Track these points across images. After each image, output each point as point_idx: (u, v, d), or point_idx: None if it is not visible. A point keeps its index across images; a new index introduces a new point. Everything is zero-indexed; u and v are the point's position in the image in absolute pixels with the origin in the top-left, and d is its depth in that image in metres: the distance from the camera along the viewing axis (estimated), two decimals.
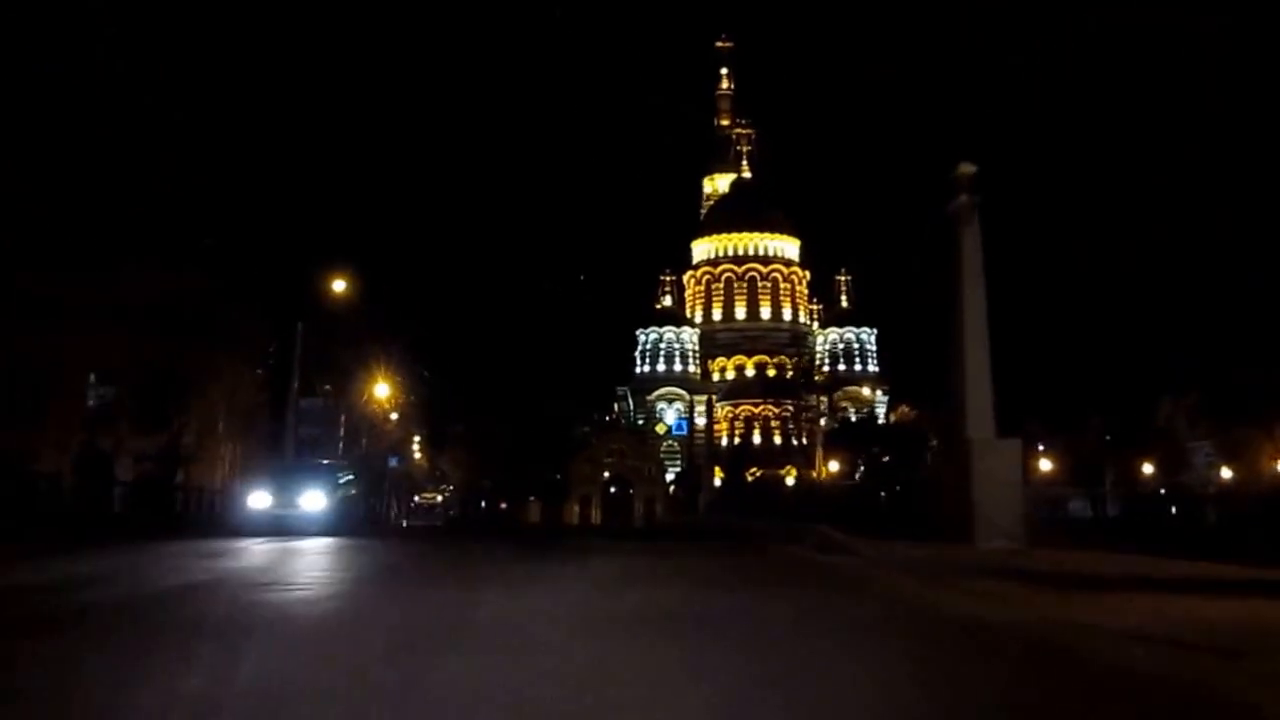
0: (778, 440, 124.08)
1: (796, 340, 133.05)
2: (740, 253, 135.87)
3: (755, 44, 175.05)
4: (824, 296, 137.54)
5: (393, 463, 73.69)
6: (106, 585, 9.76)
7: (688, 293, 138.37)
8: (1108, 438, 73.36)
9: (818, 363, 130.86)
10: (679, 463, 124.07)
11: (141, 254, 38.51)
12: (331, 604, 8.75)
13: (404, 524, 61.97)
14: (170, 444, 37.40)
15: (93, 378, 40.97)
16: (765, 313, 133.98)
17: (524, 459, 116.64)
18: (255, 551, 15.82)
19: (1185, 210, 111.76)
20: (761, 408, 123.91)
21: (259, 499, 26.11)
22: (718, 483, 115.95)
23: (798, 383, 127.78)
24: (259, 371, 51.86)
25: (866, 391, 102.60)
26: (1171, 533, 30.58)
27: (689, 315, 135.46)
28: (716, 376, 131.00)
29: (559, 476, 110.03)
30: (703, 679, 5.09)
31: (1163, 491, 55.89)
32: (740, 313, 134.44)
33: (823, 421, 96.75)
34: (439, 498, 67.09)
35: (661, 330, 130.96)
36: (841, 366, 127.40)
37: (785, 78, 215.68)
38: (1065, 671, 5.67)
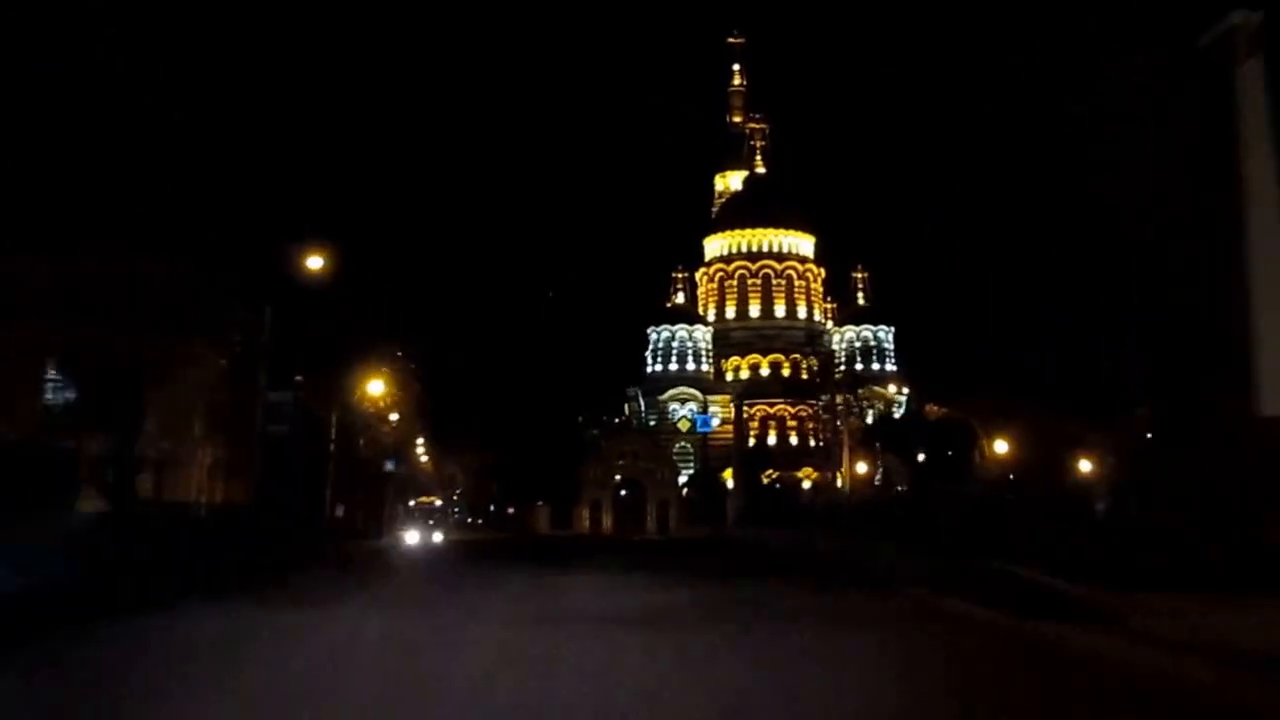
0: (794, 441, 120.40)
1: (812, 339, 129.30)
2: (754, 249, 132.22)
3: (767, 39, 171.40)
4: (839, 294, 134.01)
5: (389, 466, 70.07)
6: None
7: (700, 290, 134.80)
8: None
9: (836, 361, 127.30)
10: (692, 464, 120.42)
11: (106, 235, 35.07)
12: None
13: (382, 540, 58.15)
14: (120, 447, 33.48)
15: (51, 371, 37.32)
16: (780, 310, 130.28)
17: (533, 462, 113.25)
18: None
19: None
20: (778, 408, 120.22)
21: None
22: (730, 485, 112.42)
23: (814, 382, 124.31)
24: (222, 362, 48.08)
25: (892, 389, 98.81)
26: None
27: (701, 313, 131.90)
28: (730, 376, 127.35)
29: (569, 480, 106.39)
30: None
31: None
32: (754, 310, 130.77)
33: (850, 420, 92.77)
34: (438, 501, 63.16)
35: (674, 328, 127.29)
36: (859, 365, 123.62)
37: (798, 73, 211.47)
38: None
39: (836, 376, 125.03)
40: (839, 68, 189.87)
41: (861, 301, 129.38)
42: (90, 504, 28.55)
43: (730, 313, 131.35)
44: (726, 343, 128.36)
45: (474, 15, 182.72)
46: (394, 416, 78.39)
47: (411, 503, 64.40)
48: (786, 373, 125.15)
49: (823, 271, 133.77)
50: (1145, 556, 12.61)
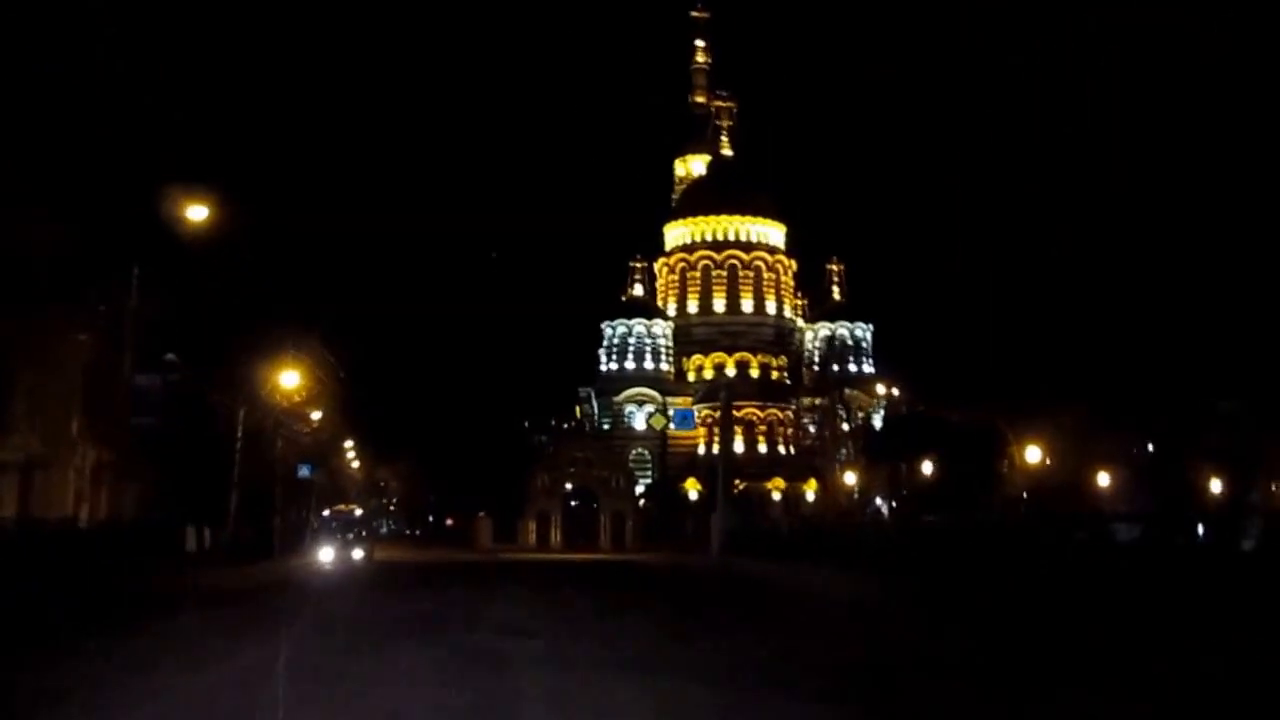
0: (763, 449, 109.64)
1: (782, 336, 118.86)
2: (719, 238, 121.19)
3: (732, 13, 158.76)
4: (810, 288, 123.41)
5: (304, 472, 58.45)
6: None
7: (659, 282, 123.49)
8: None
9: (807, 360, 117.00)
10: (650, 473, 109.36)
11: None
12: None
13: (290, 561, 46.54)
14: None
15: None
16: (747, 305, 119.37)
17: (474, 469, 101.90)
18: None
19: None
20: (745, 411, 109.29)
21: None
22: (695, 496, 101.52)
23: (784, 384, 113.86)
24: (82, 337, 36.88)
25: (880, 389, 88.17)
26: None
27: (662, 307, 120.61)
28: (692, 376, 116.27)
29: (514, 489, 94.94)
30: None
31: None
32: (719, 305, 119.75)
33: (835, 425, 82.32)
34: (357, 511, 51.51)
35: (630, 323, 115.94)
36: (835, 366, 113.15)
37: (766, 50, 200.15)
38: None
39: (809, 378, 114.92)
40: (809, 44, 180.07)
41: (837, 296, 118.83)
42: None
43: (693, 307, 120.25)
44: (689, 339, 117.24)
45: None
46: (316, 415, 66.98)
47: (326, 512, 52.57)
48: (755, 373, 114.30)
49: (794, 264, 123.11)
50: None
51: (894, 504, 61.62)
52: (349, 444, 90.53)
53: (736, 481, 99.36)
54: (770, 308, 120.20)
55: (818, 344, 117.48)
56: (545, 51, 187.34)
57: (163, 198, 28.21)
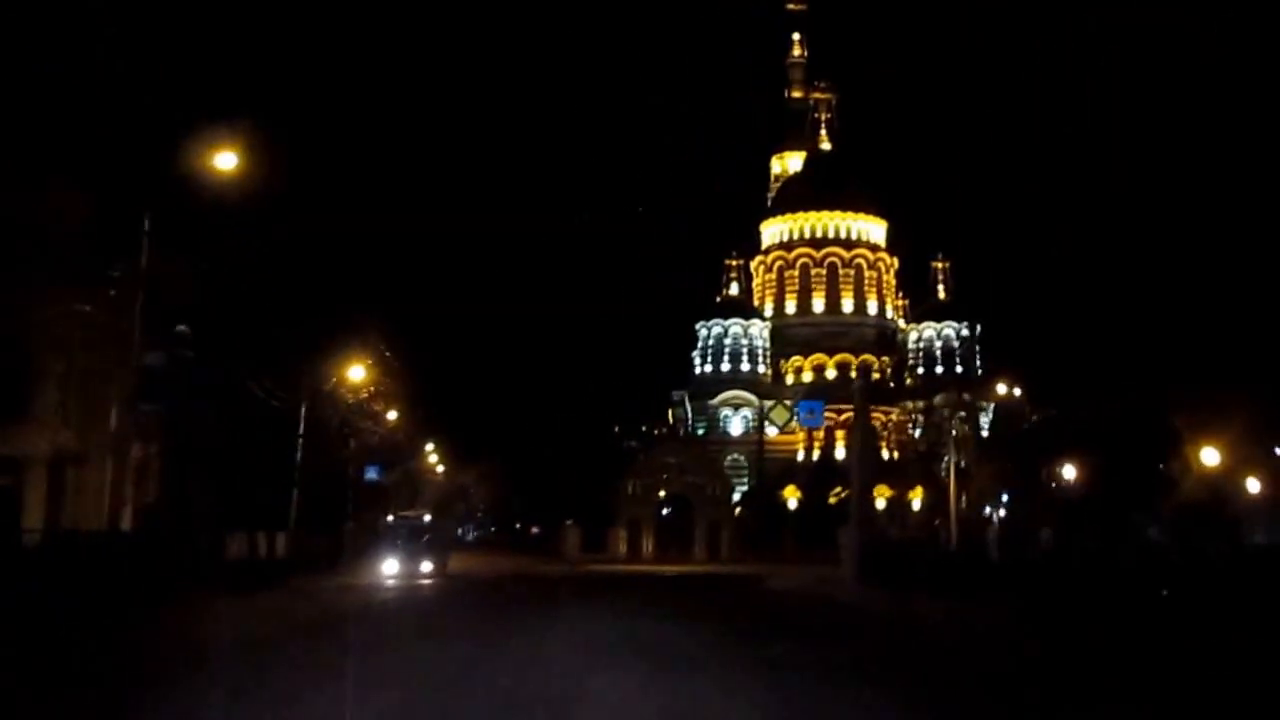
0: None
1: (884, 337, 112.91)
2: (819, 235, 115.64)
3: (829, 6, 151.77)
4: (911, 287, 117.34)
5: (371, 474, 54.36)
6: None
7: (756, 281, 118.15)
8: None
9: (910, 362, 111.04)
10: (746, 480, 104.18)
11: None
12: None
13: (343, 577, 42.30)
14: None
15: None
16: (848, 305, 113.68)
17: (562, 474, 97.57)
18: None
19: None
20: (846, 415, 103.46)
21: None
22: (794, 504, 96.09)
23: (888, 386, 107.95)
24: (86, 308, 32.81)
25: (1002, 389, 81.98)
26: None
27: (758, 307, 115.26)
28: (791, 378, 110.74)
29: (604, 496, 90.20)
30: None
31: None
32: (818, 305, 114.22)
33: (965, 429, 76.52)
34: (426, 516, 46.80)
35: (726, 323, 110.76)
36: (939, 368, 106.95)
37: (864, 42, 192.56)
38: None
39: (910, 381, 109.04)
40: (910, 34, 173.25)
41: (941, 295, 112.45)
42: None
43: (790, 307, 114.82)
44: (786, 340, 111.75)
45: None
46: (391, 415, 63.11)
47: (390, 518, 48.10)
48: (855, 375, 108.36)
49: (895, 261, 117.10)
50: None
51: (1022, 514, 55.81)
52: (430, 447, 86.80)
53: (839, 489, 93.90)
54: (872, 307, 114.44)
55: (922, 344, 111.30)
56: (640, 49, 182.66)
57: (186, 145, 23.96)
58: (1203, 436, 37.08)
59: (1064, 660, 16.12)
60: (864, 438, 29.75)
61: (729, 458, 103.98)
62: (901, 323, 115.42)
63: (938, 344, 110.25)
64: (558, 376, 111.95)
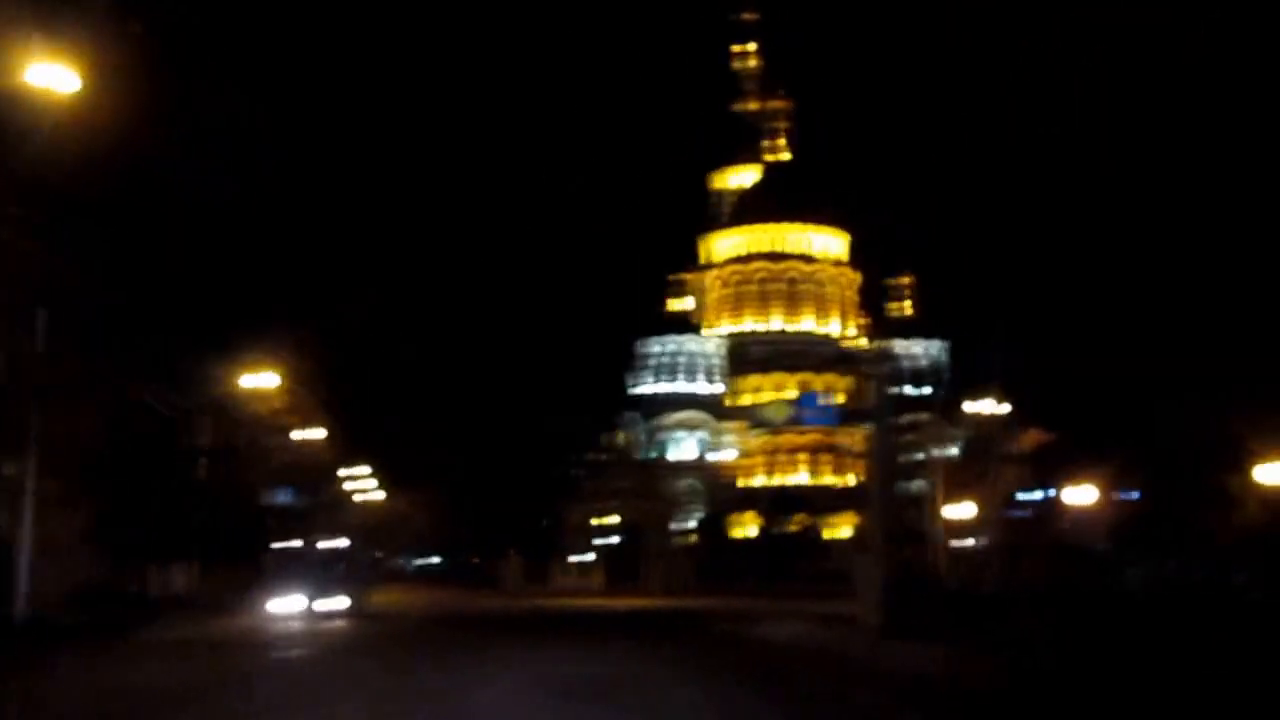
0: (830, 480, 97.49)
1: (847, 355, 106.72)
2: (777, 248, 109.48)
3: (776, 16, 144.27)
4: (873, 303, 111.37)
5: (281, 498, 47.07)
6: None
7: (710, 296, 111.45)
8: None
9: (877, 382, 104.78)
10: (700, 507, 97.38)
11: None
12: None
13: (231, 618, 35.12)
14: None
15: None
16: (808, 322, 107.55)
17: (503, 500, 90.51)
18: None
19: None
20: (809, 437, 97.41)
21: None
22: (753, 533, 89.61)
23: (850, 408, 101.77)
24: None
25: (988, 406, 75.96)
26: None
27: (711, 323, 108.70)
28: (748, 399, 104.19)
29: (547, 524, 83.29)
30: None
31: None
32: (776, 322, 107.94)
33: (953, 451, 70.43)
34: (343, 541, 39.23)
35: (679, 339, 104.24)
36: (908, 388, 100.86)
37: (817, 51, 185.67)
38: None
39: (878, 402, 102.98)
40: (869, 39, 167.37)
41: (908, 311, 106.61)
42: None
43: (747, 324, 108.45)
44: (743, 359, 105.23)
45: None
46: (319, 433, 55.66)
47: (294, 543, 40.69)
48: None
49: (859, 276, 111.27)
50: None
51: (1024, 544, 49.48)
52: (365, 470, 79.35)
53: (801, 516, 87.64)
54: (835, 325, 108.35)
55: (887, 364, 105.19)
56: (565, 59, 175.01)
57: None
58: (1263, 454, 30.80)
59: None
60: (885, 450, 22.78)
61: (681, 483, 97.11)
62: (866, 341, 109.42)
63: (905, 362, 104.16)
64: (498, 396, 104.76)
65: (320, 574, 36.35)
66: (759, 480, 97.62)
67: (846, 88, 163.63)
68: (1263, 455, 29.29)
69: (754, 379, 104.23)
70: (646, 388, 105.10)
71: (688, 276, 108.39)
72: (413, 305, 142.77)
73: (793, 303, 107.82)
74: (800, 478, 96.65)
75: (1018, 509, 49.55)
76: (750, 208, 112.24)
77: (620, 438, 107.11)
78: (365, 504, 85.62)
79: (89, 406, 33.84)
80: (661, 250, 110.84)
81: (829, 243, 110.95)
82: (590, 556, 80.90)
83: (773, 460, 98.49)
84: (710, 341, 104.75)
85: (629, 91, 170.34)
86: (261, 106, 51.68)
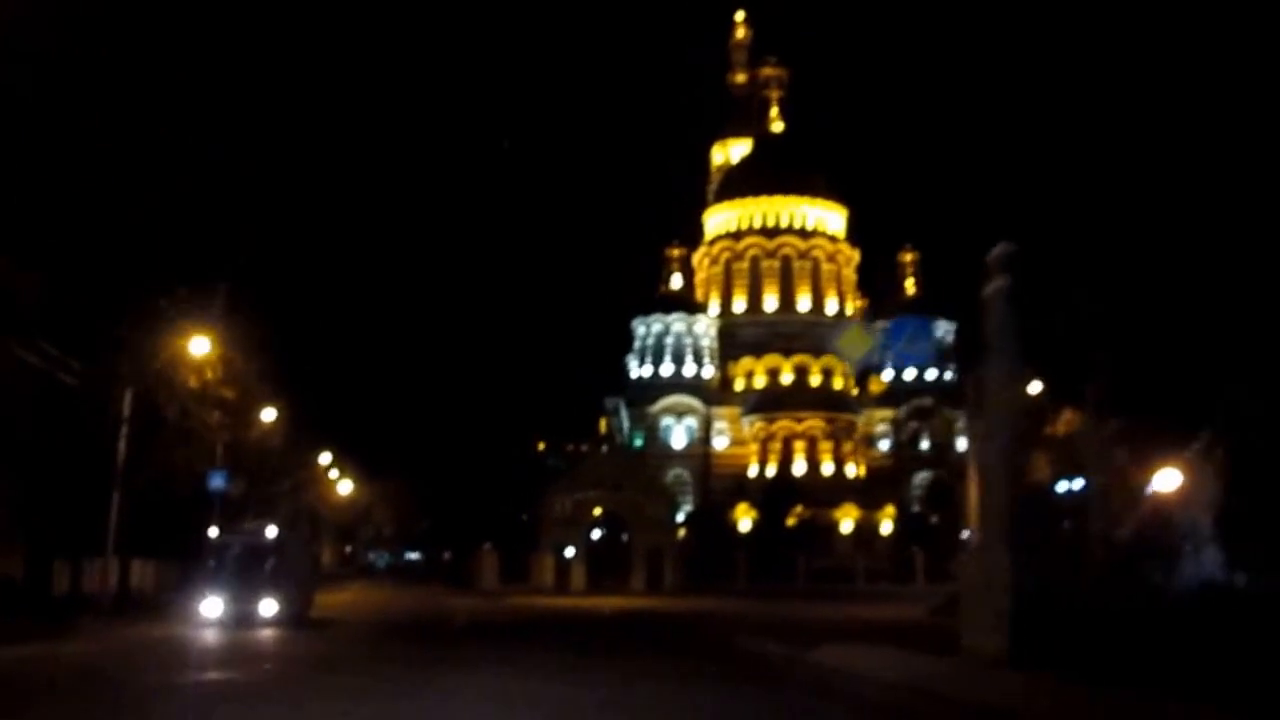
0: (830, 469, 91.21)
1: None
2: (770, 224, 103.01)
3: None
4: (872, 282, 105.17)
5: (216, 483, 40.27)
6: None
7: (700, 275, 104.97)
8: None
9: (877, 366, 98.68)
10: (690, 498, 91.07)
11: None
12: None
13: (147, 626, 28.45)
14: None
15: None
16: (804, 301, 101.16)
17: (478, 491, 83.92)
18: None
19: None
20: (806, 424, 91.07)
21: None
22: (747, 526, 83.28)
23: (848, 394, 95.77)
24: None
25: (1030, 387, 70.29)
26: None
27: (702, 303, 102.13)
28: (741, 384, 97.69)
29: (526, 517, 76.75)
30: None
31: None
32: (771, 301, 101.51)
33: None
34: (270, 530, 32.33)
35: (668, 319, 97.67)
36: (911, 370, 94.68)
37: (812, 20, 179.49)
38: None
39: (875, 387, 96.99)
40: (861, 12, 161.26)
41: (911, 290, 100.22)
42: None
43: (739, 304, 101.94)
44: (735, 341, 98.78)
45: None
46: (268, 414, 48.90)
47: (214, 533, 33.86)
48: (816, 380, 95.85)
49: (857, 254, 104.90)
50: None
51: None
52: (326, 458, 72.62)
53: (799, 508, 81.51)
54: (832, 305, 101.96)
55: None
56: (574, 36, 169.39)
57: None
58: None
59: None
60: (1006, 403, 15.98)
61: (671, 473, 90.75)
62: (864, 321, 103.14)
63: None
64: (474, 378, 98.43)
65: (248, 571, 29.63)
66: (753, 471, 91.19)
67: (842, 56, 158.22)
68: None
69: (746, 361, 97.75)
70: (636, 371, 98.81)
71: (677, 253, 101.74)
72: (393, 285, 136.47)
73: (787, 281, 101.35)
74: (797, 468, 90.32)
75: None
76: (742, 181, 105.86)
77: (605, 425, 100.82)
78: (328, 495, 79.01)
79: None
80: (664, 227, 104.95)
81: (826, 217, 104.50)
82: (571, 551, 74.36)
83: (767, 449, 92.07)
84: (700, 322, 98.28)
85: (634, 62, 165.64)
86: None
